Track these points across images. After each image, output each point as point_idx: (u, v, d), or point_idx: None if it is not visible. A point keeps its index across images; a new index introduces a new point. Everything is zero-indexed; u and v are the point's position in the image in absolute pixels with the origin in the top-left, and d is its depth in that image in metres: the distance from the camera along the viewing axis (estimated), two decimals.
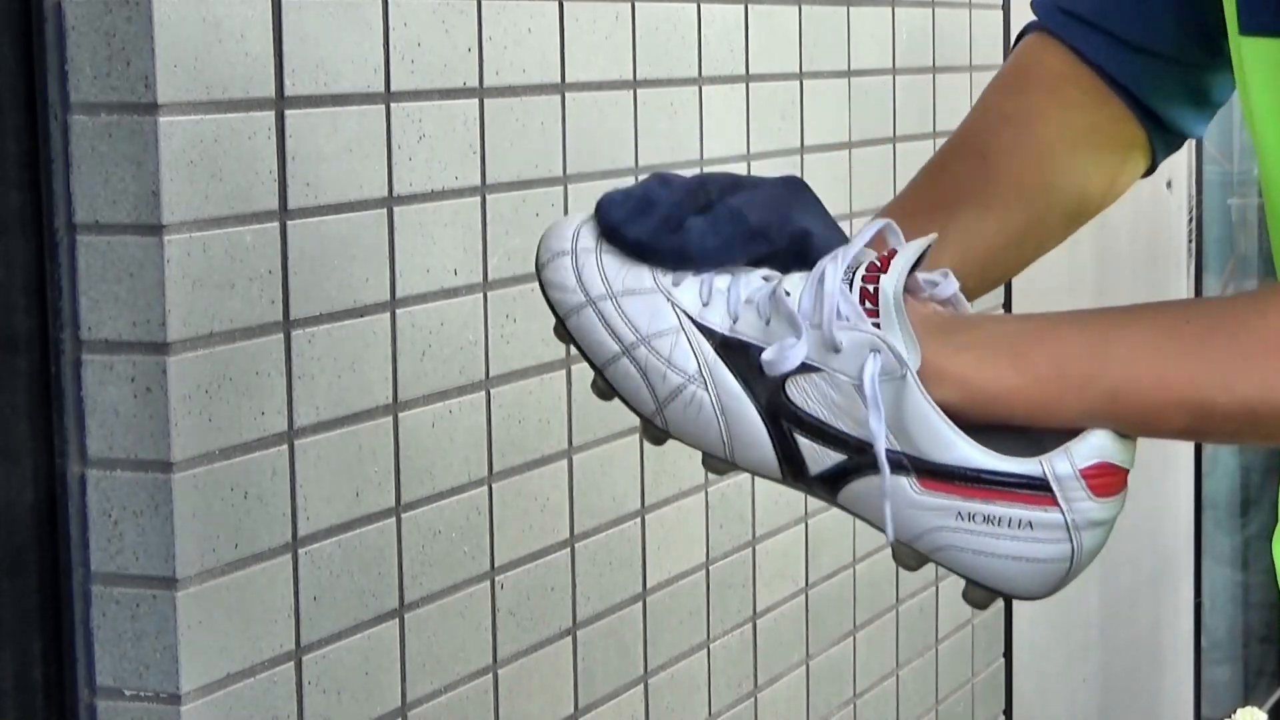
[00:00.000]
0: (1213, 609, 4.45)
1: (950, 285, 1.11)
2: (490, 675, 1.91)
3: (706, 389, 1.12)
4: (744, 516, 2.34)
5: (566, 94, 1.97)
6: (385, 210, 1.74)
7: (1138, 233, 3.69)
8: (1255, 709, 3.98)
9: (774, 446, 1.11)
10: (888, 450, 1.08)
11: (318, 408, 1.67)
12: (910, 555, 1.11)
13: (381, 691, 1.77)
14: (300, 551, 1.66)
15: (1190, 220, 3.97)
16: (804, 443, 1.10)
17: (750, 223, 1.14)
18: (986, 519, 1.08)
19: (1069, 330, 1.09)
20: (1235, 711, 3.81)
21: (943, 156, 1.36)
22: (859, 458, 1.09)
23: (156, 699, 1.56)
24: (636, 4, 2.08)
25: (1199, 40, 1.29)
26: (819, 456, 1.10)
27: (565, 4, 1.97)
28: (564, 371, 1.99)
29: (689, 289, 1.13)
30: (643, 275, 1.14)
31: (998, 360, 1.07)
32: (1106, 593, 3.59)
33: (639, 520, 2.13)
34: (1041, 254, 1.37)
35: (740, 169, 2.27)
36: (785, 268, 1.14)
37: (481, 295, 1.87)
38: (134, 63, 1.51)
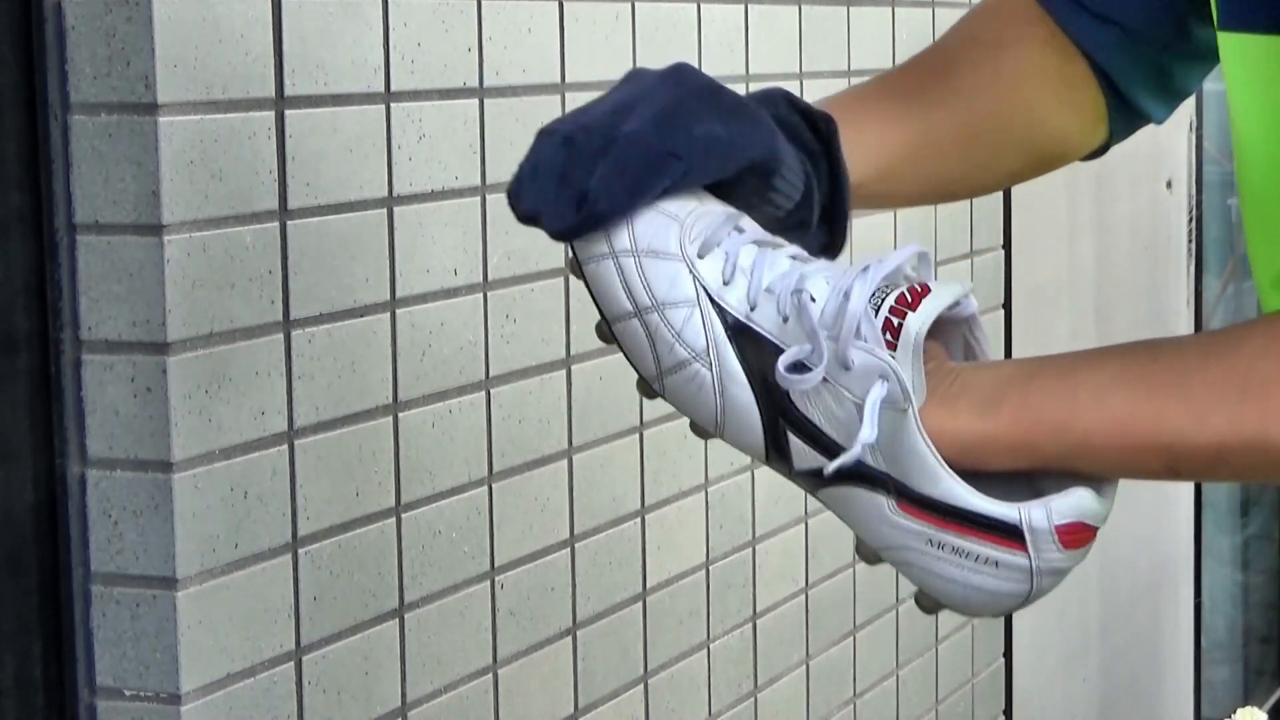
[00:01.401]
0: (1213, 609, 4.45)
1: (970, 305, 1.11)
2: (490, 675, 1.91)
3: (710, 369, 1.12)
4: (744, 516, 2.34)
5: (566, 94, 1.97)
6: (385, 210, 1.74)
7: (1138, 233, 3.69)
8: (1255, 709, 3.98)
9: (764, 436, 1.12)
10: (875, 470, 1.08)
11: (318, 408, 1.67)
12: (873, 556, 1.13)
13: (381, 691, 1.77)
14: (300, 551, 1.66)
15: (1190, 220, 3.97)
16: (795, 440, 1.10)
17: (652, 147, 1.12)
18: (955, 550, 1.09)
19: (1038, 377, 1.09)
20: (1235, 711, 3.81)
21: (902, 65, 1.36)
22: (839, 470, 1.10)
23: (156, 699, 1.56)
24: (636, 4, 2.08)
25: (1169, 19, 1.28)
26: (807, 456, 1.11)
27: (565, 4, 1.97)
28: (564, 371, 1.99)
29: (713, 262, 1.12)
30: (669, 237, 1.12)
31: (972, 408, 1.08)
32: (1106, 593, 3.59)
33: (639, 520, 2.13)
34: (987, 182, 1.36)
35: None
36: (714, 186, 1.13)
37: (481, 295, 1.87)
38: (134, 63, 1.51)
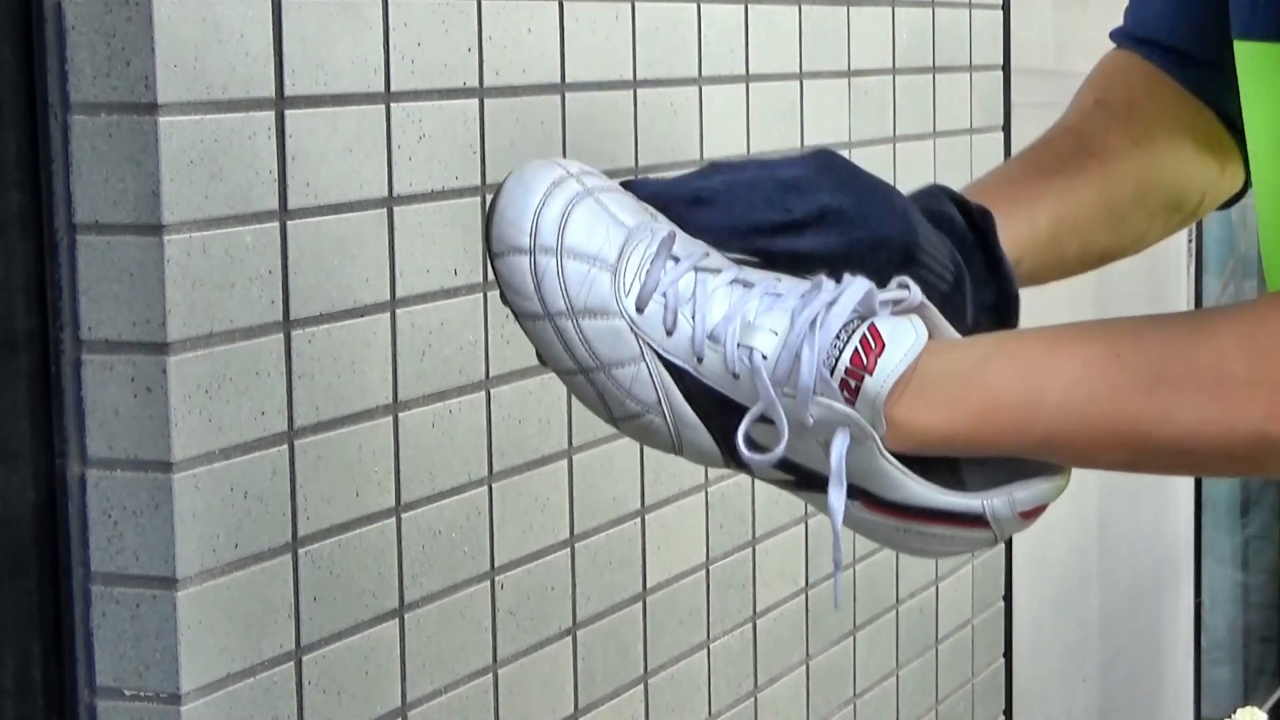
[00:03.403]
0: (1213, 609, 4.45)
1: (916, 296, 1.09)
2: (490, 675, 1.91)
3: (664, 418, 1.11)
4: (744, 516, 2.34)
5: (566, 94, 1.97)
6: (385, 210, 1.74)
7: None
8: (1255, 709, 3.98)
9: (724, 459, 1.12)
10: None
11: (318, 408, 1.67)
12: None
13: (381, 691, 1.77)
14: (300, 551, 1.66)
15: None
16: (757, 463, 1.10)
17: (776, 186, 1.12)
18: (922, 534, 1.11)
19: (1002, 370, 1.08)
20: (1235, 711, 3.81)
21: (1038, 141, 1.34)
22: (805, 479, 1.11)
23: (156, 699, 1.56)
24: (636, 4, 2.08)
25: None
26: (769, 473, 1.12)
27: (565, 4, 1.97)
28: None
29: (652, 312, 1.09)
30: (605, 293, 1.09)
31: (934, 406, 1.07)
32: (1106, 593, 3.59)
33: (639, 520, 2.13)
34: (1141, 243, 1.35)
35: None
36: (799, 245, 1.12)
37: (481, 295, 1.87)
38: (134, 63, 1.51)
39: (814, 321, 1.07)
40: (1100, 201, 1.30)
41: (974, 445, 1.08)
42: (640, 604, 2.14)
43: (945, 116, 2.77)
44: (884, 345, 1.06)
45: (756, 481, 2.46)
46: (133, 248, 1.53)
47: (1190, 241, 3.98)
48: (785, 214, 1.12)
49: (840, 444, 1.07)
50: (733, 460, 1.11)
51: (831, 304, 1.07)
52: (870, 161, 2.57)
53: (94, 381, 1.55)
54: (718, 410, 1.09)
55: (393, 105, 1.75)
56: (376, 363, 1.74)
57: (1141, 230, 1.34)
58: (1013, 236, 1.22)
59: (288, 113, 1.63)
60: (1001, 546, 2.98)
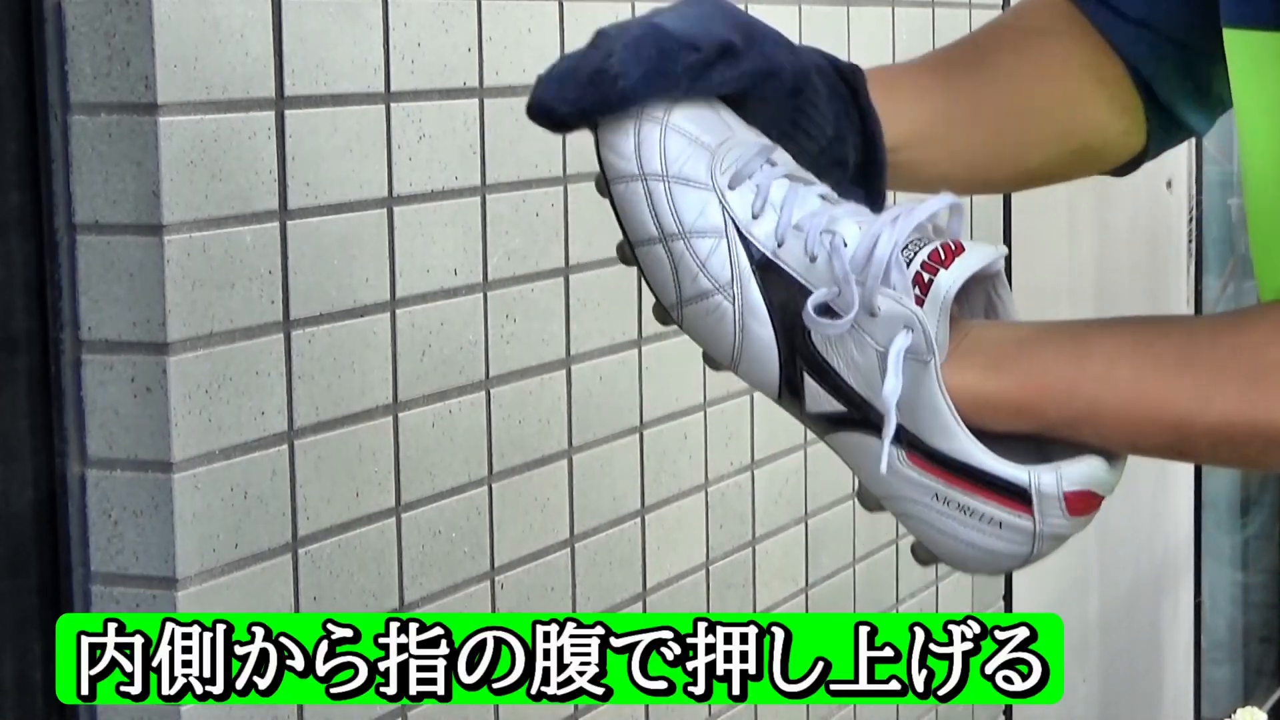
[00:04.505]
0: (1213, 609, 4.45)
1: (998, 263, 1.10)
2: None
3: (733, 302, 1.10)
4: (744, 516, 2.34)
5: None
6: (385, 210, 1.74)
7: (1137, 233, 3.69)
8: (1255, 709, 3.98)
9: (780, 375, 1.11)
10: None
11: (318, 408, 1.67)
12: (874, 503, 1.12)
13: None
14: (300, 551, 1.66)
15: (1190, 220, 3.97)
16: (811, 383, 1.10)
17: (671, 36, 1.10)
18: (960, 508, 1.09)
19: (1049, 341, 1.09)
20: (1235, 711, 3.81)
21: (944, 46, 1.34)
22: (859, 414, 1.09)
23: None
24: (636, 4, 2.08)
25: (1202, 24, 1.26)
26: (821, 400, 1.10)
27: (565, 4, 1.97)
28: (564, 371, 1.99)
29: (743, 194, 1.10)
30: (700, 165, 1.10)
31: (981, 369, 1.08)
32: (1106, 593, 3.59)
33: (639, 520, 2.13)
34: (1021, 171, 1.34)
35: None
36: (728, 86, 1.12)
37: (481, 295, 1.87)
38: (134, 63, 1.51)
39: (898, 215, 1.08)
40: (989, 106, 1.29)
41: (1018, 411, 1.07)
42: (640, 603, 2.14)
43: None
44: (963, 249, 1.08)
45: (757, 481, 2.46)
46: (133, 248, 1.53)
47: (1190, 242, 3.98)
48: (694, 54, 1.11)
49: (901, 343, 1.06)
50: (787, 375, 1.10)
51: (916, 207, 1.09)
52: None
53: (94, 381, 1.55)
54: (788, 300, 1.09)
55: (393, 105, 1.75)
56: (376, 363, 1.74)
57: (1026, 155, 1.32)
58: (892, 118, 1.21)
59: (288, 113, 1.63)
60: None
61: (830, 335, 1.08)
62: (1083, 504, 1.09)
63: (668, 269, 1.11)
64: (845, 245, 1.08)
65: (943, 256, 1.07)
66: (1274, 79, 1.14)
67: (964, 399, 1.07)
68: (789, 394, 1.11)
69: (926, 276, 1.07)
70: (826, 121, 1.16)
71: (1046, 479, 1.08)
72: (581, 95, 1.10)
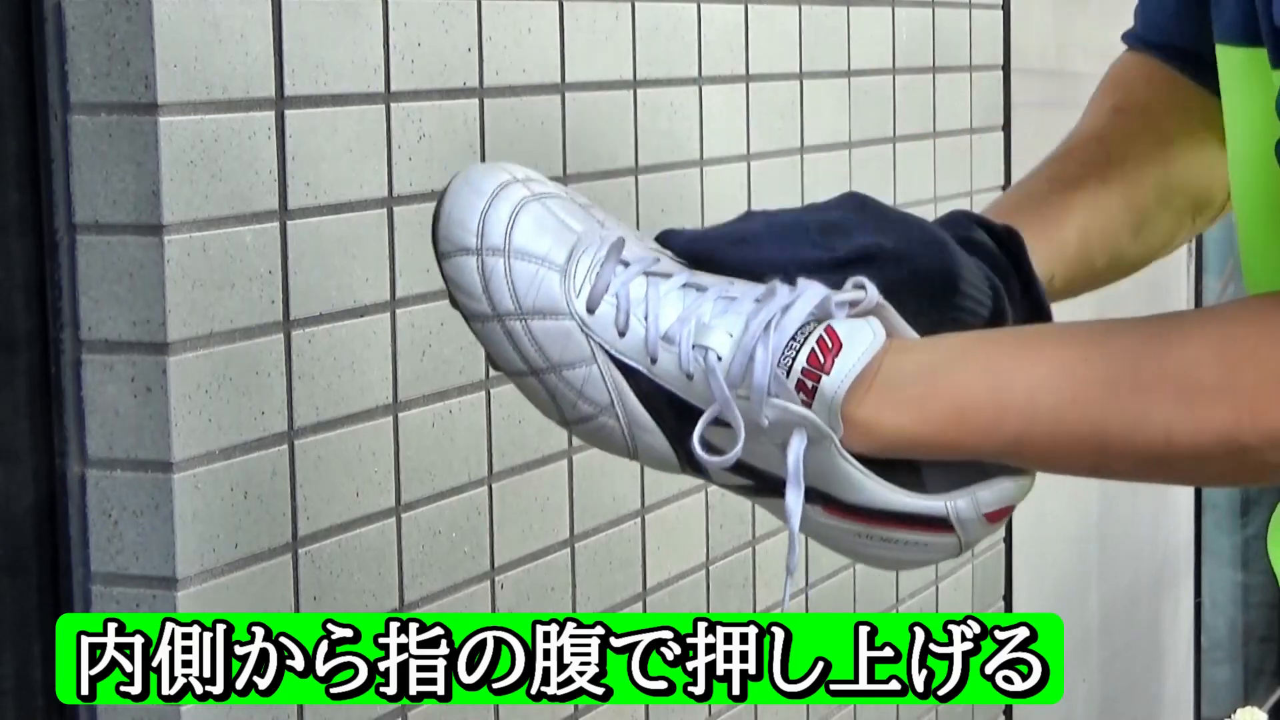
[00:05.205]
0: (1213, 609, 4.45)
1: (873, 297, 1.08)
2: None
3: (617, 420, 1.09)
4: (744, 516, 2.34)
5: (566, 94, 1.97)
6: (385, 210, 1.74)
7: None
8: (1255, 709, 3.98)
9: (680, 463, 1.11)
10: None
11: (318, 408, 1.67)
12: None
13: None
14: (300, 551, 1.66)
15: None
16: (713, 465, 1.09)
17: (812, 227, 1.11)
18: (884, 540, 1.10)
19: (969, 370, 1.07)
20: (1235, 711, 3.81)
21: (1058, 152, 1.33)
22: (764, 484, 1.09)
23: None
24: (636, 4, 2.08)
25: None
26: (726, 478, 1.10)
27: (565, 4, 1.97)
28: None
29: (604, 313, 1.08)
30: (554, 290, 1.08)
31: (899, 407, 1.06)
32: (1106, 593, 3.59)
33: (639, 520, 2.13)
34: (1169, 245, 1.33)
35: (740, 169, 2.28)
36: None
37: None
38: (134, 63, 1.51)
39: (769, 323, 1.06)
40: (1126, 209, 1.29)
41: (940, 447, 1.07)
42: (640, 604, 2.14)
43: (945, 116, 2.77)
44: (841, 345, 1.05)
45: None
46: (133, 248, 1.53)
47: (1190, 242, 3.98)
48: (829, 252, 1.10)
49: (798, 445, 1.05)
50: (689, 465, 1.10)
51: (787, 307, 1.06)
52: (870, 161, 2.57)
53: (94, 381, 1.55)
54: (672, 413, 1.08)
55: (393, 105, 1.75)
56: (376, 363, 1.74)
57: (1169, 232, 1.33)
58: (1042, 253, 1.20)
59: (288, 113, 1.63)
60: (1002, 547, 2.98)
61: (727, 465, 1.07)
62: (1000, 515, 1.10)
63: (546, 398, 1.10)
64: (719, 360, 1.06)
65: (821, 360, 1.05)
66: (1248, 92, 1.15)
67: (885, 440, 1.06)
68: (694, 471, 1.10)
69: (810, 384, 1.05)
70: (983, 305, 1.13)
71: (963, 505, 1.08)
72: (712, 246, 1.11)
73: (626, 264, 1.09)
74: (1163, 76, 1.33)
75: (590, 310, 1.08)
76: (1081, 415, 1.05)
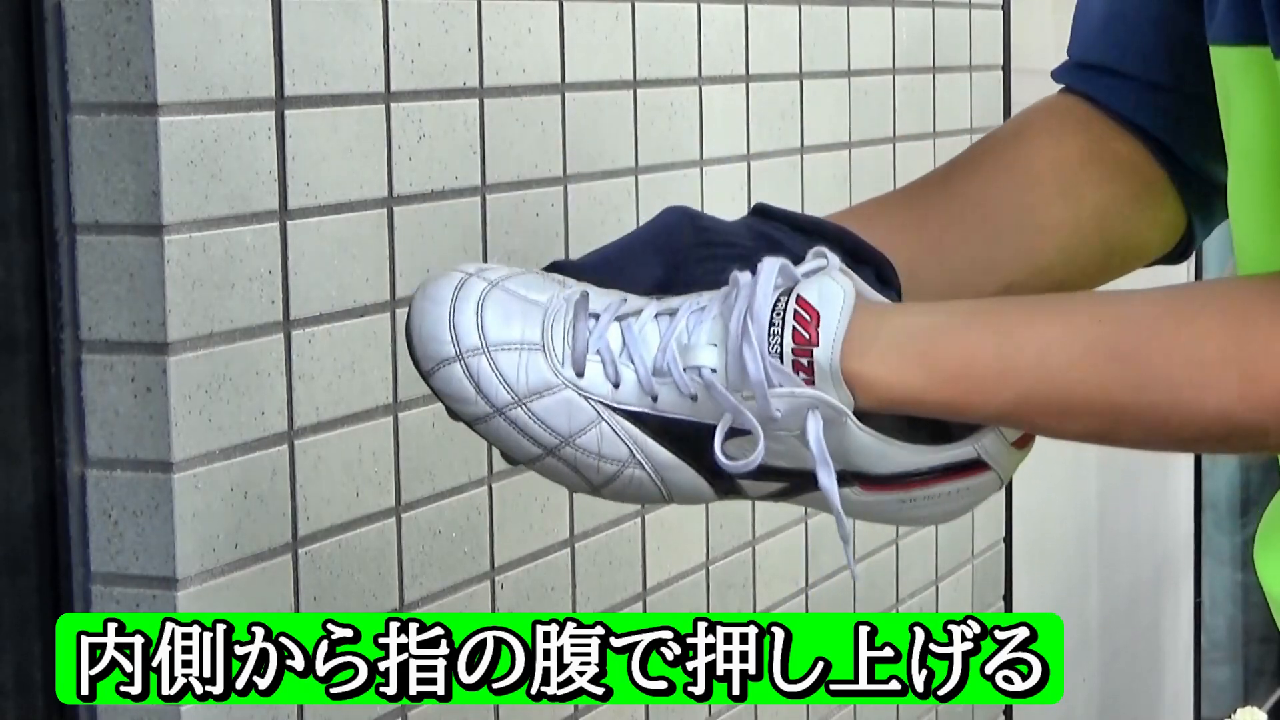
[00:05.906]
0: (1213, 609, 4.45)
1: (834, 262, 1.09)
2: None
3: (643, 468, 1.10)
4: (744, 517, 2.34)
5: (566, 94, 1.97)
6: (385, 210, 1.74)
7: None
8: (1255, 709, 3.98)
9: (714, 491, 1.11)
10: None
11: (318, 408, 1.67)
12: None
13: None
14: (300, 551, 1.66)
15: None
16: (739, 470, 1.09)
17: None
18: (928, 498, 1.11)
19: (978, 329, 1.08)
20: (1235, 711, 3.81)
21: (914, 184, 1.32)
22: (799, 481, 1.10)
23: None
24: (636, 4, 2.08)
25: (1192, 63, 1.23)
26: (760, 489, 1.11)
27: (565, 4, 1.97)
28: None
29: (593, 372, 1.09)
30: (542, 370, 1.09)
31: (905, 362, 1.07)
32: (1106, 593, 3.59)
33: (639, 520, 2.13)
34: (1040, 282, 1.28)
35: (740, 169, 2.28)
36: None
37: None
38: (134, 63, 1.51)
39: (744, 317, 1.07)
40: (954, 230, 1.26)
41: (943, 406, 1.07)
42: (640, 604, 2.14)
43: (945, 116, 2.77)
44: (817, 313, 1.06)
45: None
46: (133, 248, 1.53)
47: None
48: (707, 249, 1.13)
49: (815, 427, 1.06)
50: (723, 490, 1.11)
51: (752, 295, 1.07)
52: (870, 161, 2.57)
53: (94, 381, 1.55)
54: (690, 443, 1.09)
55: (393, 105, 1.75)
56: (376, 363, 1.74)
57: (1024, 262, 1.27)
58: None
59: (288, 113, 1.63)
60: (1001, 547, 2.98)
61: (752, 468, 1.08)
62: (1027, 440, 1.11)
63: (570, 472, 1.11)
64: (714, 372, 1.07)
65: (806, 335, 1.06)
66: (1243, 91, 1.15)
67: (889, 398, 1.07)
68: (729, 494, 1.11)
69: (805, 360, 1.06)
70: (739, 238, 1.15)
71: (989, 442, 1.10)
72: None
73: (596, 316, 1.10)
74: (1063, 109, 1.29)
75: (580, 374, 1.09)
76: (1089, 377, 1.06)
